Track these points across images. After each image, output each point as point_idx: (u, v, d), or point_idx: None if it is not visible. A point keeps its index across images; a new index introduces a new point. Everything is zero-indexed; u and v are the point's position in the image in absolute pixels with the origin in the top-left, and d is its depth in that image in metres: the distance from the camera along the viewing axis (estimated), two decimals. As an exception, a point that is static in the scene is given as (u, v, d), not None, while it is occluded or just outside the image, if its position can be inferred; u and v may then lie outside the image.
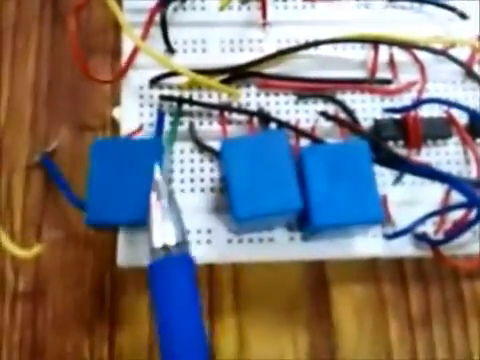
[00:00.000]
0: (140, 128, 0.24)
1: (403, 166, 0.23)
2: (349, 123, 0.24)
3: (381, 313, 0.24)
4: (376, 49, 0.25)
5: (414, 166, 0.23)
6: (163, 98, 0.25)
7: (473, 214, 0.21)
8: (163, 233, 0.19)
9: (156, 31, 0.25)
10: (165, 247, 0.19)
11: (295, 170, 0.21)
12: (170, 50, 0.25)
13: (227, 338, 0.24)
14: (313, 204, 0.20)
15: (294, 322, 0.24)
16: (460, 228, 0.21)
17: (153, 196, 0.20)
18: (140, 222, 0.20)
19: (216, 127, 0.25)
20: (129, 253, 0.23)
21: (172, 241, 0.19)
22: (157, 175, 0.20)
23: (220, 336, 0.24)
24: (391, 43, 0.25)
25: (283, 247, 0.23)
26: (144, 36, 0.25)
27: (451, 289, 0.25)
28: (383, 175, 0.24)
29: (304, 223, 0.21)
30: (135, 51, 0.25)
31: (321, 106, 0.25)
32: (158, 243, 0.19)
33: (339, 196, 0.20)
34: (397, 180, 0.24)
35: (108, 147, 0.21)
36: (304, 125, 0.25)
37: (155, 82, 0.25)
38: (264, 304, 0.24)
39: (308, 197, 0.20)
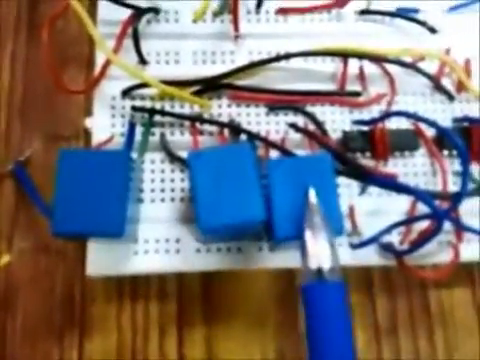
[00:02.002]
0: (111, 138, 0.24)
1: (368, 178, 0.23)
2: (317, 135, 0.25)
3: (349, 322, 0.25)
4: (345, 62, 0.26)
5: (378, 178, 0.23)
6: (135, 109, 0.25)
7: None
8: (318, 254, 0.19)
9: (130, 42, 0.26)
10: (319, 270, 0.19)
11: (260, 182, 0.21)
12: (142, 61, 0.26)
13: (196, 348, 0.24)
14: (276, 216, 0.20)
15: (263, 332, 0.24)
16: (423, 239, 0.22)
17: (308, 217, 0.20)
18: (105, 233, 0.20)
19: (187, 138, 0.25)
20: (99, 263, 0.23)
21: (327, 264, 0.19)
22: (312, 198, 0.20)
23: (189, 346, 0.24)
24: (361, 56, 0.26)
25: (251, 256, 0.24)
26: (117, 48, 0.26)
27: (418, 298, 0.25)
28: (350, 186, 0.25)
29: (270, 234, 0.22)
30: (108, 62, 0.25)
31: (291, 118, 0.26)
32: (313, 264, 0.19)
33: (300, 208, 0.20)
34: (362, 191, 0.24)
35: (75, 158, 0.21)
36: (274, 136, 0.25)
37: (127, 93, 0.25)
38: (233, 314, 0.25)
39: (272, 209, 0.20)
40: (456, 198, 0.21)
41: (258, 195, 0.20)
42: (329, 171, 0.21)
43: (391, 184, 0.23)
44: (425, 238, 0.21)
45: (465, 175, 0.20)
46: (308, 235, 0.20)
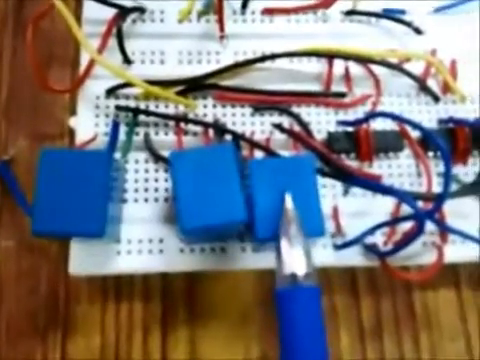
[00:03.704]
0: (94, 138, 0.24)
1: (350, 179, 0.23)
2: (302, 136, 0.24)
3: (332, 323, 0.24)
4: (331, 63, 0.26)
5: (360, 179, 0.23)
6: (119, 108, 0.25)
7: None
8: (292, 261, 0.19)
9: (115, 42, 0.26)
10: (294, 275, 0.19)
11: (243, 183, 0.21)
12: (127, 61, 0.26)
13: (179, 348, 0.24)
14: (257, 217, 0.20)
15: (246, 333, 0.24)
16: (405, 240, 0.21)
17: (283, 223, 0.20)
18: (86, 234, 0.20)
19: (172, 138, 0.25)
20: (82, 262, 0.23)
21: (302, 270, 0.19)
22: (288, 204, 0.20)
23: (172, 346, 0.24)
24: (346, 57, 0.26)
25: (235, 257, 0.24)
26: (102, 47, 0.25)
27: (402, 299, 0.25)
28: (334, 187, 0.25)
29: (252, 235, 0.22)
30: (92, 62, 0.25)
31: (277, 118, 0.26)
32: (287, 270, 0.19)
33: (281, 209, 0.20)
34: (345, 192, 0.24)
35: (57, 157, 0.21)
36: (259, 137, 0.25)
37: (111, 92, 0.25)
38: (217, 315, 0.25)
39: (253, 210, 0.20)
40: (438, 199, 0.21)
41: (240, 196, 0.20)
42: (311, 172, 0.21)
43: (373, 185, 0.23)
44: (407, 239, 0.21)
45: (447, 176, 0.20)
46: (283, 241, 0.20)
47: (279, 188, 0.21)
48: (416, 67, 0.27)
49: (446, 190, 0.20)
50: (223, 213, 0.20)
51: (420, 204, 0.23)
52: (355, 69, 0.26)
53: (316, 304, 0.19)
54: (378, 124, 0.25)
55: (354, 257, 0.24)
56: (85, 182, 0.21)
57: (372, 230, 0.23)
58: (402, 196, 0.21)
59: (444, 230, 0.23)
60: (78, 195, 0.20)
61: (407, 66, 0.27)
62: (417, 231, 0.20)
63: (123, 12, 0.26)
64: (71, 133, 0.26)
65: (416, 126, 0.22)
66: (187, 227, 0.20)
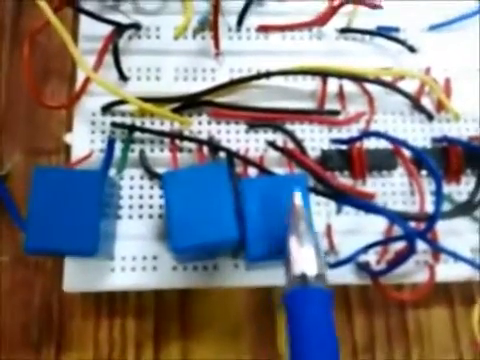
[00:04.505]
0: (90, 154, 0.25)
1: (343, 198, 0.23)
2: (295, 153, 0.25)
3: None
4: (325, 81, 0.26)
5: (351, 198, 0.23)
6: (114, 125, 0.25)
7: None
8: (302, 260, 0.18)
9: (111, 58, 0.26)
10: (304, 276, 0.18)
11: (234, 202, 0.21)
12: (123, 78, 0.26)
13: (172, 365, 0.24)
14: (250, 237, 0.20)
15: (239, 349, 0.25)
16: (397, 260, 0.22)
17: (292, 220, 0.19)
18: (78, 252, 0.20)
19: (167, 154, 0.25)
20: (76, 279, 0.23)
21: (313, 271, 0.18)
22: (297, 200, 0.19)
23: (165, 363, 0.24)
24: (340, 75, 0.26)
25: (227, 274, 0.24)
26: (98, 64, 0.26)
27: (395, 318, 0.25)
28: (328, 204, 0.25)
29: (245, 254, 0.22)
30: (88, 78, 0.25)
31: (271, 135, 0.26)
32: (297, 270, 0.18)
33: (274, 229, 0.20)
34: (338, 211, 0.24)
35: (50, 175, 0.21)
36: (254, 154, 0.25)
37: (107, 109, 0.25)
38: (209, 331, 0.25)
39: (245, 229, 0.21)
40: (430, 220, 0.21)
41: (231, 214, 0.20)
42: (304, 191, 0.21)
43: (365, 205, 0.23)
44: (399, 259, 0.21)
45: (439, 198, 0.20)
46: (292, 239, 0.19)
47: (272, 207, 0.21)
48: (410, 85, 0.27)
49: (437, 211, 0.21)
50: (214, 231, 0.20)
51: (413, 224, 0.24)
52: (349, 87, 0.27)
53: (328, 308, 0.18)
54: (372, 142, 0.26)
55: (347, 275, 0.24)
56: (78, 201, 0.21)
57: (365, 249, 0.23)
58: (392, 217, 0.21)
59: (436, 250, 0.24)
60: (71, 214, 0.21)
61: (401, 84, 0.27)
62: (408, 251, 0.20)
63: (119, 29, 0.26)
64: (67, 149, 0.26)
65: (408, 147, 0.22)
66: (178, 246, 0.20)
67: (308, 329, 0.18)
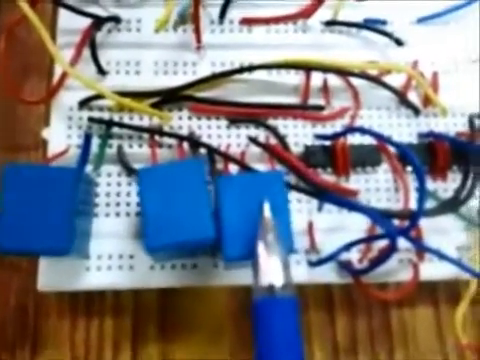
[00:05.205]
0: (66, 150, 0.24)
1: (324, 195, 0.23)
2: (276, 150, 0.24)
3: (306, 339, 0.24)
4: (308, 75, 0.25)
5: (332, 196, 0.23)
6: (91, 120, 0.24)
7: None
8: (270, 271, 0.19)
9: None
10: (271, 287, 0.18)
11: (211, 200, 0.20)
12: (101, 72, 0.25)
13: (150, 364, 0.24)
14: (226, 236, 0.20)
15: (219, 350, 0.24)
16: (379, 259, 0.21)
17: (261, 232, 0.19)
18: (51, 252, 0.20)
19: (146, 150, 0.25)
20: (50, 278, 0.23)
21: (279, 281, 0.18)
22: (266, 213, 0.20)
23: (143, 362, 0.24)
24: (324, 69, 0.25)
25: (206, 273, 0.23)
26: (76, 58, 0.25)
27: (379, 317, 0.25)
28: (310, 201, 0.24)
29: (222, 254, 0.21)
30: (65, 73, 0.24)
31: (253, 131, 0.25)
32: (264, 281, 0.19)
33: (251, 227, 0.20)
34: (319, 208, 0.24)
35: (22, 173, 0.20)
36: (235, 150, 0.25)
37: (84, 104, 0.25)
38: (188, 330, 0.24)
39: (222, 228, 0.20)
40: (413, 218, 0.20)
41: (208, 212, 0.20)
42: (281, 189, 0.20)
43: (345, 203, 0.22)
44: (380, 258, 0.21)
45: (422, 196, 0.20)
46: (261, 251, 0.19)
47: (248, 205, 0.20)
48: (397, 79, 0.26)
49: (420, 209, 0.20)
50: (190, 230, 0.20)
51: (397, 221, 0.23)
52: (334, 81, 0.26)
53: (293, 316, 0.19)
54: (356, 138, 0.25)
55: (329, 274, 0.23)
56: (51, 199, 0.20)
57: (347, 247, 0.22)
58: (373, 215, 0.21)
59: (420, 248, 0.23)
60: (44, 212, 0.20)
61: (388, 78, 0.26)
62: (390, 250, 0.20)
63: (98, 22, 0.26)
64: (45, 145, 0.26)
65: (391, 143, 0.21)
66: (152, 245, 0.19)
67: (275, 335, 0.18)
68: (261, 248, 0.19)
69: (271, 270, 0.19)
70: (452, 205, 0.24)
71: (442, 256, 0.22)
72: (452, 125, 0.26)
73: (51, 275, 0.23)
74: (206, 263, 0.23)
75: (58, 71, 0.25)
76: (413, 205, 0.24)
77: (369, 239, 0.22)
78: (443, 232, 0.24)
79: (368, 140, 0.25)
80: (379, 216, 0.21)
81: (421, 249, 0.23)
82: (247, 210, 0.20)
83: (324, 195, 0.23)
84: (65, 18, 0.26)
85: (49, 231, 0.20)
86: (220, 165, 0.24)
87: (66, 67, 0.24)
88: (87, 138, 0.24)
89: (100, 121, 0.24)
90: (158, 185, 0.20)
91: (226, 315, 0.24)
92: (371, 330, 0.25)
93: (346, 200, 0.23)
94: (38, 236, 0.20)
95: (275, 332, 0.18)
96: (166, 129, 0.25)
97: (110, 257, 0.23)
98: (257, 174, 0.23)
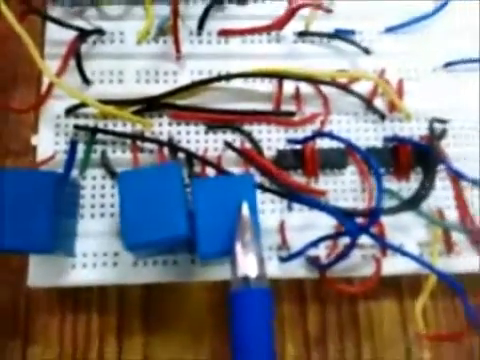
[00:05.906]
0: (53, 156, 0.26)
1: (294, 196, 0.25)
2: (249, 154, 0.26)
3: (279, 332, 0.26)
4: (281, 83, 0.27)
5: (300, 196, 0.24)
6: (77, 127, 0.26)
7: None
8: (245, 264, 0.21)
9: (77, 62, 0.27)
10: (246, 278, 0.20)
11: (186, 201, 0.22)
12: (86, 81, 0.27)
13: (134, 357, 0.25)
14: (200, 235, 0.21)
15: (201, 345, 0.26)
16: (340, 254, 0.23)
17: (239, 229, 0.21)
18: (35, 251, 0.22)
19: (129, 155, 0.26)
20: (40, 274, 0.24)
21: (254, 273, 0.20)
22: (244, 211, 0.21)
23: (128, 355, 0.25)
24: (296, 78, 0.27)
25: (186, 269, 0.25)
26: (62, 68, 0.27)
27: (347, 310, 0.26)
28: (282, 202, 0.26)
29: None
30: (52, 83, 0.26)
31: (230, 136, 0.27)
32: (240, 273, 0.20)
33: (224, 227, 0.21)
34: (289, 208, 0.25)
35: (9, 178, 0.22)
36: (212, 154, 0.27)
37: (70, 112, 0.26)
38: (170, 324, 0.26)
39: (196, 228, 0.22)
40: (372, 215, 0.22)
41: (182, 212, 0.21)
42: (251, 191, 0.22)
43: (310, 202, 0.24)
44: (341, 253, 0.22)
45: (379, 193, 0.22)
46: (237, 246, 0.21)
47: (221, 206, 0.22)
48: (365, 86, 0.28)
49: (378, 207, 0.22)
50: (164, 229, 0.21)
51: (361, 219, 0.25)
52: (305, 88, 0.28)
53: (267, 305, 0.20)
54: (325, 142, 0.27)
55: (299, 269, 0.25)
56: (34, 201, 0.22)
57: (314, 243, 0.24)
58: (334, 213, 0.22)
59: (381, 245, 0.25)
60: (27, 213, 0.22)
61: (356, 85, 0.28)
62: (349, 245, 0.22)
63: (83, 34, 0.27)
64: (34, 151, 0.27)
65: (353, 147, 0.23)
66: (129, 243, 0.21)
67: (249, 323, 0.20)
68: (238, 245, 0.21)
69: (247, 263, 0.21)
70: (412, 203, 0.26)
71: (400, 251, 0.23)
72: (416, 129, 0.28)
73: (40, 272, 0.24)
74: (185, 260, 0.25)
75: (46, 81, 0.27)
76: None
77: (333, 236, 0.24)
78: (405, 229, 0.26)
79: (336, 144, 0.27)
80: (341, 215, 0.22)
81: (382, 245, 0.24)
82: (220, 210, 0.22)
83: (294, 195, 0.24)
84: (52, 31, 0.28)
85: (32, 231, 0.22)
86: (198, 169, 0.26)
87: (52, 77, 0.25)
88: (73, 144, 0.26)
89: (85, 128, 0.26)
90: (137, 187, 0.22)
91: (206, 309, 0.26)
92: (340, 322, 0.26)
93: (312, 200, 0.24)
94: (21, 236, 0.21)
95: (250, 321, 0.20)
96: (147, 135, 0.27)
97: (95, 255, 0.25)
98: (230, 177, 0.24)
